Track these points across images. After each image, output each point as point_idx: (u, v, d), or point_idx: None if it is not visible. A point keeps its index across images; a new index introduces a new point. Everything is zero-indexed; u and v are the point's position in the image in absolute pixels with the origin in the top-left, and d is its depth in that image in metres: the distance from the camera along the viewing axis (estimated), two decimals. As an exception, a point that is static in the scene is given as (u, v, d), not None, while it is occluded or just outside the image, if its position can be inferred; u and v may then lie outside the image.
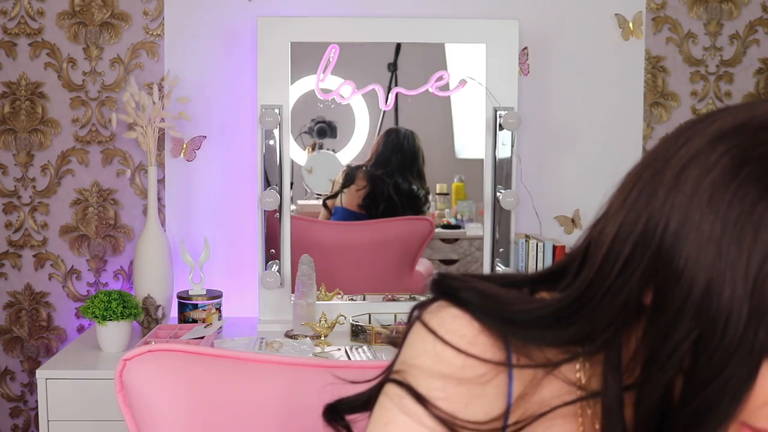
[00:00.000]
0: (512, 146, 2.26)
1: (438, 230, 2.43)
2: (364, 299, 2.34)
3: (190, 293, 2.19)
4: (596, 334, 0.67)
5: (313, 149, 2.38)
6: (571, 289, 0.69)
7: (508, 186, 2.26)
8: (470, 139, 2.38)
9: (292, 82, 2.28)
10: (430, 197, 2.42)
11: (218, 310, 2.20)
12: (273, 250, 2.27)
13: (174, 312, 2.26)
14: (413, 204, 2.41)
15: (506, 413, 0.70)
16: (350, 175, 2.39)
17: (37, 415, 2.31)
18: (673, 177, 0.64)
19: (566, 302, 0.69)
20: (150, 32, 2.34)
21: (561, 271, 0.73)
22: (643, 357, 0.65)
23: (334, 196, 2.39)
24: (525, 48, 2.37)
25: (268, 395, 0.98)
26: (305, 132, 2.36)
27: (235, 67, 2.35)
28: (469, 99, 2.33)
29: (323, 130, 2.36)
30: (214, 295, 2.21)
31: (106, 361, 1.98)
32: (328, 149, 2.38)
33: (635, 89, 2.43)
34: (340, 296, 2.32)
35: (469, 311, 0.71)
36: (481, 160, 2.32)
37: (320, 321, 2.13)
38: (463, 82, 2.31)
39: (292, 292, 2.24)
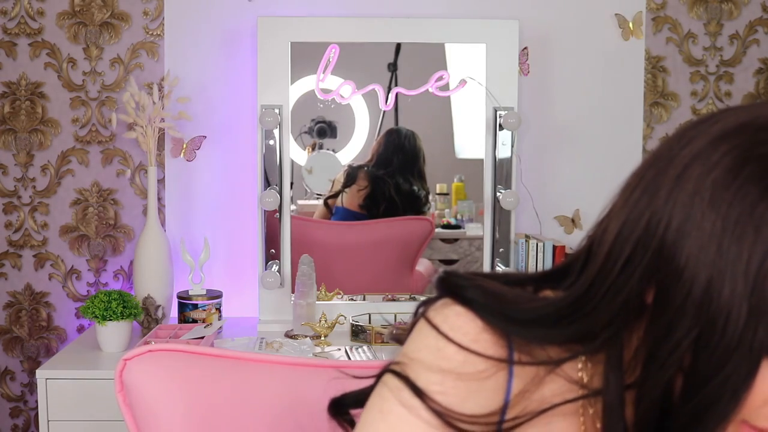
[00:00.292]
0: (512, 146, 2.26)
1: (438, 230, 2.43)
2: (364, 299, 2.34)
3: (190, 293, 2.19)
4: (598, 333, 0.68)
5: (313, 149, 2.38)
6: (574, 288, 0.70)
7: (508, 186, 2.26)
8: (470, 139, 2.38)
9: (292, 82, 2.28)
10: (430, 197, 2.42)
11: (218, 310, 2.20)
12: (273, 250, 2.27)
13: (174, 312, 2.26)
14: (414, 204, 2.40)
15: (503, 409, 0.70)
16: (352, 175, 2.39)
17: (37, 415, 2.31)
18: (676, 176, 0.64)
19: (569, 301, 0.69)
20: (150, 32, 2.34)
21: (565, 270, 0.73)
22: (644, 355, 0.65)
23: (335, 195, 2.39)
24: (525, 48, 2.37)
25: (268, 395, 0.98)
26: (305, 132, 2.36)
27: (235, 67, 2.35)
28: (469, 99, 2.33)
29: (323, 130, 2.36)
30: (214, 295, 2.21)
31: (106, 361, 1.98)
32: (328, 149, 2.38)
33: (635, 89, 2.43)
34: (340, 296, 2.32)
35: (472, 309, 0.71)
36: (481, 160, 2.32)
37: (320, 321, 2.13)
38: (463, 82, 2.31)
39: (292, 292, 2.24)
